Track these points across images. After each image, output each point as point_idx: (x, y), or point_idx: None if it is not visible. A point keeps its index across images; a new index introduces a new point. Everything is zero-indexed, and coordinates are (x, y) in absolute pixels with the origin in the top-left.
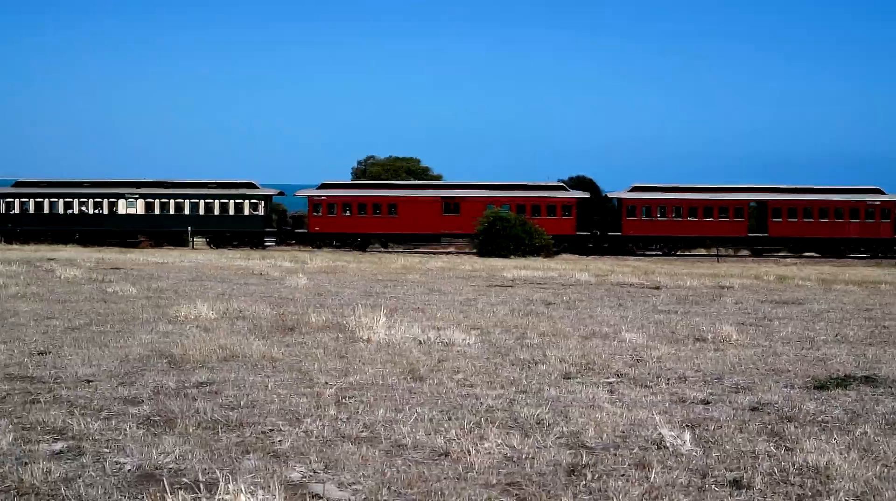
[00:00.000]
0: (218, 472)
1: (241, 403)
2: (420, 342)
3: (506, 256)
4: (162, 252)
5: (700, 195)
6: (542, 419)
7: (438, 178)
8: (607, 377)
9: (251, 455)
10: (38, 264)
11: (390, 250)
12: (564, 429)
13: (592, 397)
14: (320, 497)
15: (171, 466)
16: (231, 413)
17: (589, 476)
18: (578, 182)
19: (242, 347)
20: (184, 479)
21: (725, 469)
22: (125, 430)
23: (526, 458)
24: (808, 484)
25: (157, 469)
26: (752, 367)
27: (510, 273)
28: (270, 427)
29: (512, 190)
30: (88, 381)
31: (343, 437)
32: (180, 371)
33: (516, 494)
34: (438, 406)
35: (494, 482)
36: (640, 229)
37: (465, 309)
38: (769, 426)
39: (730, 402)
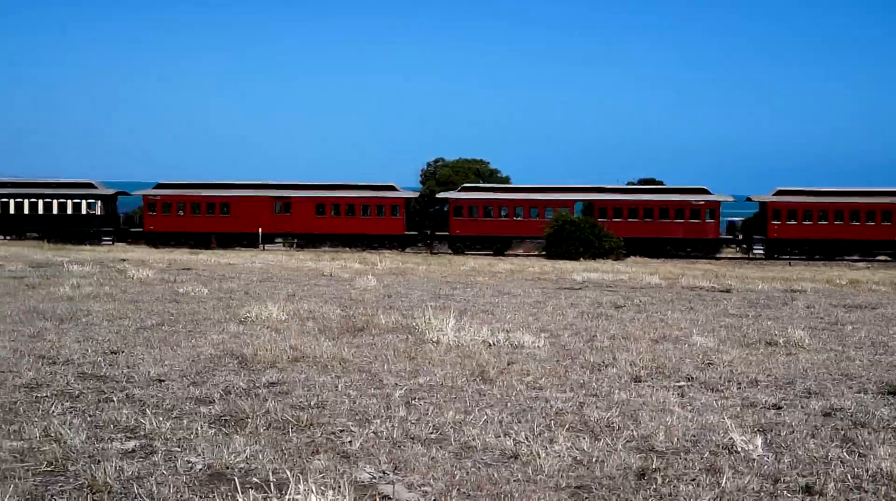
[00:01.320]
0: (288, 472)
1: (311, 403)
2: (489, 344)
3: (575, 258)
4: (232, 253)
5: (524, 195)
6: (612, 423)
7: (507, 180)
8: (677, 381)
9: (321, 455)
10: (110, 264)
11: (222, 248)
12: (634, 433)
13: (662, 400)
14: (389, 498)
15: (241, 466)
16: (301, 414)
17: (659, 481)
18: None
19: (312, 348)
20: (254, 479)
21: (797, 474)
22: (196, 429)
23: (595, 461)
24: (882, 491)
25: (227, 468)
26: (824, 372)
27: (579, 276)
28: (340, 428)
29: (342, 190)
30: (160, 380)
31: (412, 438)
32: (250, 371)
33: (586, 497)
34: (507, 409)
35: (564, 485)
36: (466, 229)
37: (533, 311)
38: (841, 432)
39: (801, 407)
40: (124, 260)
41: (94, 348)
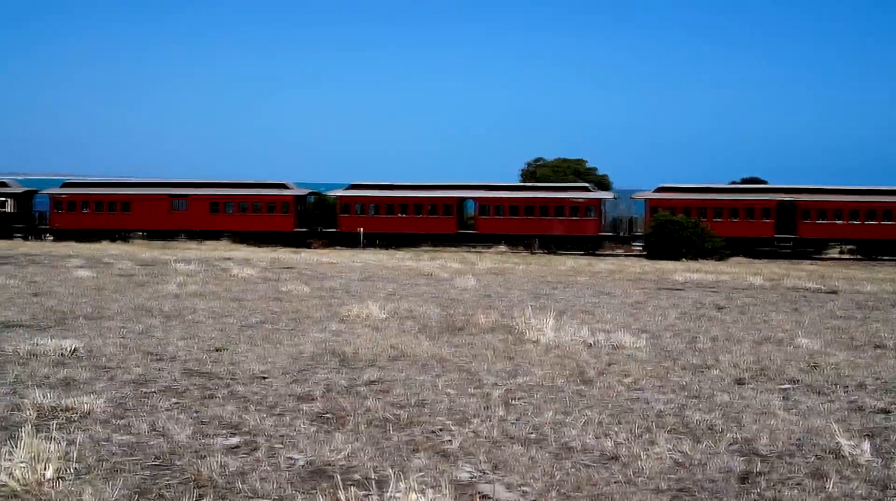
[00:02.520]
0: (388, 470)
1: (411, 402)
2: (589, 345)
3: (676, 258)
4: (336, 252)
5: (409, 193)
6: (714, 425)
7: (604, 178)
8: (781, 384)
9: (420, 453)
10: (215, 263)
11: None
12: (737, 436)
13: (766, 403)
14: (489, 498)
15: (342, 463)
16: (401, 412)
17: (762, 485)
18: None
19: (412, 346)
20: (355, 476)
21: None
22: (298, 426)
23: (697, 464)
24: None
25: (328, 465)
26: None
27: (680, 276)
28: (439, 427)
29: (236, 188)
30: (263, 377)
31: (511, 438)
32: (351, 369)
33: (686, 500)
34: (607, 410)
35: (664, 487)
36: (351, 226)
37: (634, 312)
38: None
39: None
40: (228, 259)
41: (199, 345)
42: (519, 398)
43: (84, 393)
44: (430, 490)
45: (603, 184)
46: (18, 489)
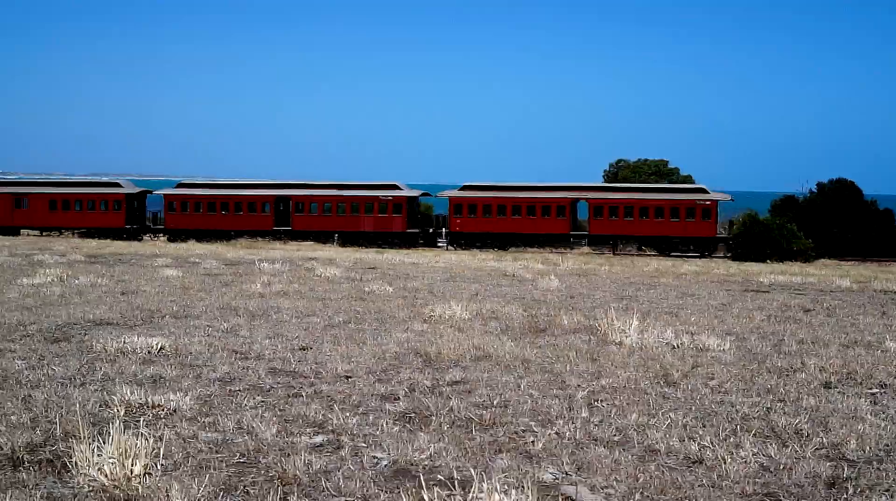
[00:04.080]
0: (472, 470)
1: (494, 402)
2: (673, 347)
3: (762, 260)
4: (415, 253)
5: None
6: (801, 429)
7: (688, 178)
8: (870, 388)
9: (504, 454)
10: (299, 262)
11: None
12: (824, 440)
13: (854, 407)
14: (572, 500)
15: (425, 463)
16: (484, 413)
17: (850, 490)
18: (839, 185)
19: (495, 347)
20: (438, 476)
21: None
22: (382, 426)
23: (783, 469)
24: None
25: (412, 465)
26: None
27: (766, 278)
28: (523, 428)
29: (74, 187)
30: (347, 377)
31: (595, 440)
32: (434, 370)
33: None
34: (692, 412)
35: (750, 491)
36: (178, 224)
37: (719, 314)
38: None
39: None
40: (313, 259)
41: (284, 344)
42: (603, 400)
43: (171, 391)
44: (514, 491)
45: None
46: (107, 484)
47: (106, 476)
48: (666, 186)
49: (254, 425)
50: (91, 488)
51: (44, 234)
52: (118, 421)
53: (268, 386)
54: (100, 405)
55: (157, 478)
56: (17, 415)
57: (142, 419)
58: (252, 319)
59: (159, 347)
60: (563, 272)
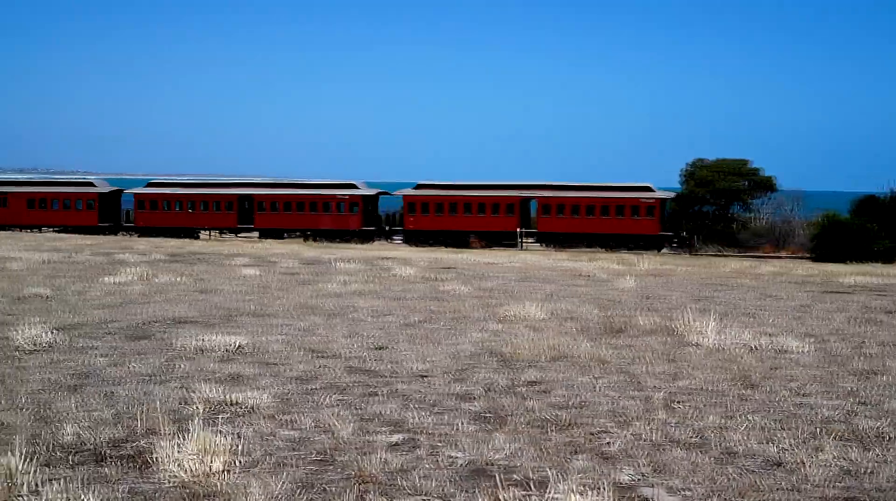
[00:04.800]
0: (548, 470)
1: (571, 403)
2: (752, 349)
3: (842, 261)
4: (492, 253)
5: (192, 190)
6: (883, 433)
7: (770, 180)
8: None
9: (580, 455)
10: (376, 262)
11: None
12: None
13: None
14: None
15: (502, 462)
16: (560, 413)
17: None
18: None
19: (571, 347)
20: (515, 476)
21: None
22: (458, 425)
23: (865, 472)
24: None
25: (488, 464)
26: None
27: (847, 279)
28: (600, 429)
29: (45, 186)
30: (423, 376)
31: (673, 442)
32: (511, 370)
33: None
34: (771, 415)
35: (831, 495)
36: (147, 221)
37: (798, 316)
38: None
39: None
40: (389, 259)
41: (361, 343)
42: (680, 402)
43: (250, 389)
44: (591, 492)
45: (768, 185)
46: (188, 480)
47: (186, 472)
48: (613, 184)
49: (331, 423)
50: (172, 483)
51: (23, 231)
52: (198, 418)
53: (345, 385)
54: (180, 403)
55: (237, 475)
56: (101, 411)
57: (221, 416)
58: (329, 318)
59: (238, 345)
60: (640, 273)
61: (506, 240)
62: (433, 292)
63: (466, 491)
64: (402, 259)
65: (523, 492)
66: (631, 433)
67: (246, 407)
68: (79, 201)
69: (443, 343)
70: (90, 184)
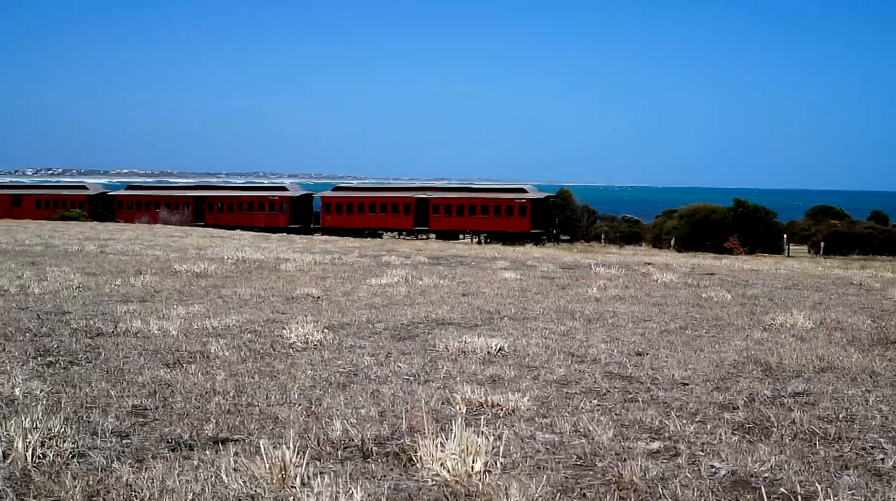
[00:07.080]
0: (816, 485)
1: (839, 416)
2: None
3: None
4: (756, 260)
5: (153, 192)
6: None
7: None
8: None
9: (851, 470)
10: (635, 267)
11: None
12: None
13: None
14: None
15: (765, 475)
16: (828, 426)
17: None
18: None
19: (840, 358)
20: (780, 489)
21: None
22: (720, 435)
23: None
24: None
25: (751, 476)
26: None
27: None
28: (871, 444)
29: (48, 189)
30: (684, 384)
31: None
32: (775, 380)
33: None
34: None
35: None
36: (126, 218)
37: None
38: None
39: None
40: (649, 264)
41: (620, 348)
42: None
43: (510, 391)
44: None
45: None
46: (450, 479)
47: (448, 471)
48: (494, 186)
49: (590, 428)
50: (434, 482)
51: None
52: (460, 419)
53: (604, 390)
54: (442, 403)
55: (497, 476)
56: (367, 409)
57: (482, 417)
58: (588, 322)
59: (498, 347)
60: None
61: (405, 236)
62: (694, 299)
63: None
64: (662, 265)
65: None
66: None
67: (506, 409)
68: (72, 201)
69: (704, 351)
70: (83, 187)
